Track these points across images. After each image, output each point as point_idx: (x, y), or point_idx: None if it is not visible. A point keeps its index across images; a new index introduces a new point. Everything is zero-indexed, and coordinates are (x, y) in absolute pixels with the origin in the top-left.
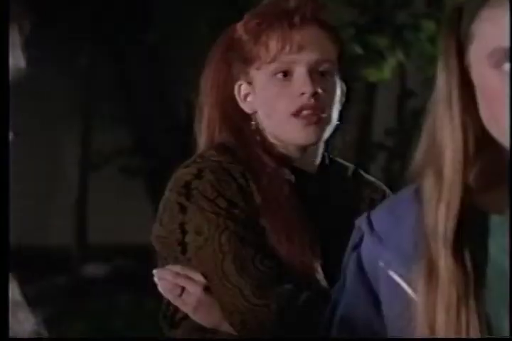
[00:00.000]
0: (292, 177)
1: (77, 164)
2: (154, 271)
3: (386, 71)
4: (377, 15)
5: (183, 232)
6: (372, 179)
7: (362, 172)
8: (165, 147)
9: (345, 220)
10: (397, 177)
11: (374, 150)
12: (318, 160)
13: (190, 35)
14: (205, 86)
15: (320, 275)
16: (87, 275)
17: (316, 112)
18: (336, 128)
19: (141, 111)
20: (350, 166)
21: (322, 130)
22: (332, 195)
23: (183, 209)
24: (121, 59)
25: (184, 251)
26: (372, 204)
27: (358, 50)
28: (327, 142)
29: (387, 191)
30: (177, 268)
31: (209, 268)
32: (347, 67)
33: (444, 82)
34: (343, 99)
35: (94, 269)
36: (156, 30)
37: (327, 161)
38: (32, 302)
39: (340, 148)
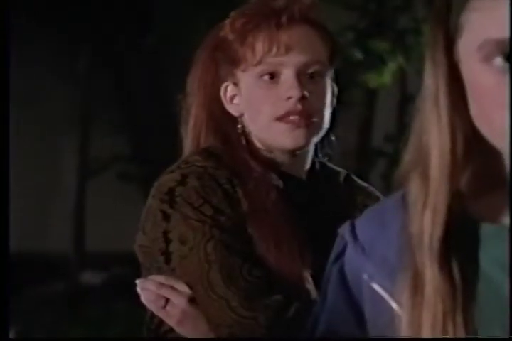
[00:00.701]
0: (280, 183)
1: (76, 170)
2: (137, 281)
3: (386, 76)
4: (377, 19)
5: (167, 241)
6: (365, 184)
7: (354, 177)
8: (164, 153)
9: (337, 227)
10: (397, 185)
11: (374, 157)
12: (307, 164)
13: (190, 38)
14: (193, 86)
15: (310, 285)
16: (85, 282)
17: (303, 117)
18: (329, 132)
19: (139, 117)
20: (342, 171)
21: (311, 134)
22: (323, 201)
23: (166, 216)
24: (119, 65)
25: (168, 261)
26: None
27: (358, 54)
28: (318, 146)
29: (382, 197)
30: (161, 278)
31: (194, 279)
32: (346, 72)
33: (431, 79)
34: (335, 102)
35: (91, 276)
36: (155, 34)
37: (317, 166)
38: (30, 308)
39: (337, 153)
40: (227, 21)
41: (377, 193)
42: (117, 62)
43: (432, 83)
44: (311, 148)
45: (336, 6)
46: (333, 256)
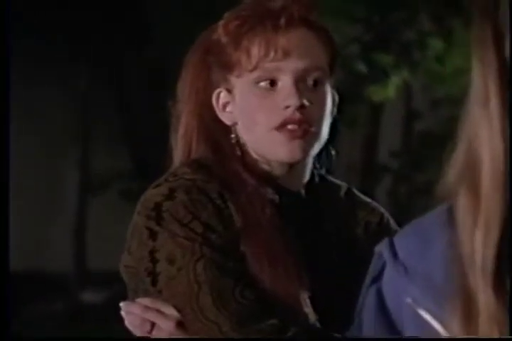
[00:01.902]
0: (276, 197)
1: (77, 188)
2: (121, 304)
3: (390, 90)
4: (381, 31)
5: (154, 261)
6: (367, 199)
7: (356, 191)
8: (166, 170)
9: (337, 246)
10: (402, 201)
11: (379, 173)
12: (306, 177)
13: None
14: (183, 92)
15: (308, 308)
16: (86, 300)
17: (301, 127)
18: (328, 144)
19: (141, 133)
20: (343, 185)
21: (309, 145)
22: (322, 217)
23: (152, 234)
24: (120, 79)
25: (155, 283)
26: (368, 228)
27: (362, 67)
28: (317, 158)
29: (385, 214)
30: (147, 301)
31: (183, 301)
32: (350, 85)
33: (479, 79)
34: (335, 111)
35: (93, 294)
36: (155, 46)
37: (316, 179)
38: (30, 326)
39: (339, 166)
40: (221, 23)
41: (382, 209)
42: (118, 77)
43: (481, 84)
44: (310, 160)
45: (340, 18)
46: (369, 277)
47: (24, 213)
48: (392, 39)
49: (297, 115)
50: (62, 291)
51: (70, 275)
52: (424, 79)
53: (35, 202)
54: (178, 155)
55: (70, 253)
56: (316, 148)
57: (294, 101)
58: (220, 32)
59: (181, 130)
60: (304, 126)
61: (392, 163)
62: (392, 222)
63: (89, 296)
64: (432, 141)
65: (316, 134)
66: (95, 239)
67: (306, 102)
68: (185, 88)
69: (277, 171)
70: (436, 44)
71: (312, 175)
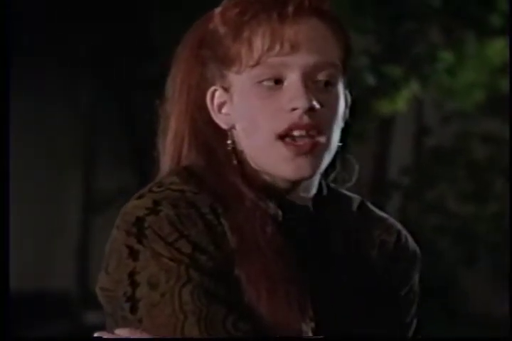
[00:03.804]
0: (278, 213)
1: (79, 206)
2: (96, 335)
3: (400, 103)
4: (391, 44)
5: (133, 284)
6: (383, 215)
7: (370, 205)
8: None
9: (348, 269)
10: (413, 218)
11: (389, 189)
12: (313, 190)
13: None
14: (173, 90)
15: None
16: (89, 321)
17: (310, 134)
18: (341, 150)
19: (145, 150)
20: (355, 198)
21: (319, 159)
22: (331, 236)
23: (133, 254)
24: (124, 96)
25: (134, 310)
26: (383, 249)
27: (371, 80)
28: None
29: (403, 231)
30: (125, 331)
31: (166, 332)
32: (359, 98)
33: None
34: (347, 114)
35: (95, 315)
36: (157, 63)
37: (325, 191)
38: None
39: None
40: (218, 10)
41: (399, 226)
42: (122, 92)
43: None
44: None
45: (349, 29)
46: None
47: (25, 231)
48: (401, 51)
49: (305, 119)
50: (63, 312)
51: (72, 295)
52: (435, 93)
53: (37, 221)
54: (166, 161)
55: (72, 272)
56: (326, 161)
57: (302, 103)
58: (216, 21)
59: (170, 133)
60: (312, 133)
61: (403, 180)
62: (410, 240)
63: (92, 317)
64: (443, 157)
65: (326, 145)
66: (98, 258)
67: (316, 104)
68: (175, 85)
69: (280, 184)
70: (447, 57)
71: (320, 186)
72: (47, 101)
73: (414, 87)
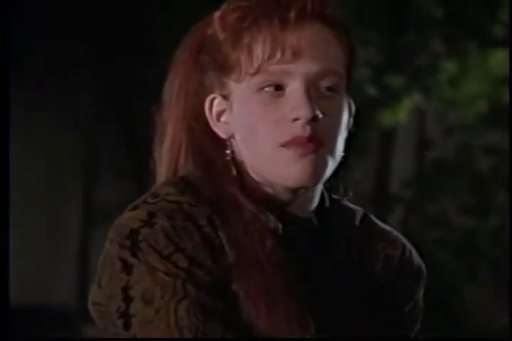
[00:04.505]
0: (279, 226)
1: (79, 219)
2: None
3: (402, 114)
4: (393, 54)
5: (127, 299)
6: (387, 228)
7: (374, 218)
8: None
9: (351, 284)
10: (415, 232)
11: (390, 202)
12: (315, 201)
13: None
14: (170, 95)
15: None
16: (87, 335)
17: (311, 145)
18: (344, 161)
19: (146, 163)
20: (359, 210)
21: (323, 167)
22: (333, 250)
23: (127, 267)
24: (125, 111)
25: (127, 326)
26: (387, 263)
27: (372, 91)
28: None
29: (407, 245)
30: None
31: None
32: (360, 109)
33: None
34: (351, 123)
35: (94, 329)
36: (155, 70)
37: (327, 203)
38: None
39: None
40: (217, 15)
41: (403, 239)
42: (123, 107)
43: None
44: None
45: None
46: None
47: (25, 244)
48: (403, 62)
49: (308, 130)
50: (62, 326)
51: (72, 309)
52: (437, 104)
53: (37, 234)
54: (162, 170)
55: (71, 285)
56: (330, 169)
57: (304, 113)
58: (216, 26)
59: (167, 141)
60: (315, 145)
61: (404, 192)
62: (415, 255)
63: (91, 330)
64: (445, 170)
65: (330, 153)
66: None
67: (319, 114)
68: (172, 90)
69: (282, 195)
70: (449, 67)
71: (322, 198)
72: (47, 112)
73: (416, 98)
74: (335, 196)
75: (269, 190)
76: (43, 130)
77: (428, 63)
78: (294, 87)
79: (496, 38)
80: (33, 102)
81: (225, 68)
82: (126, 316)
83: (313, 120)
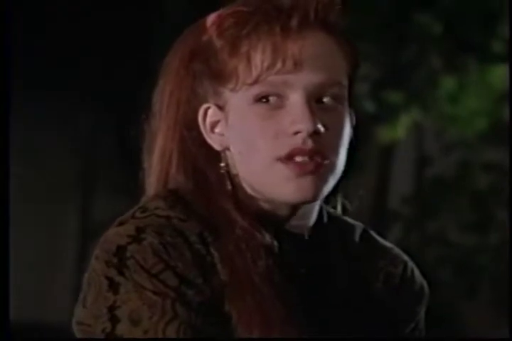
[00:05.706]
0: (274, 244)
1: (77, 236)
2: None
3: (400, 130)
4: (391, 70)
5: (113, 320)
6: (388, 244)
7: (374, 234)
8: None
9: (351, 304)
10: (414, 249)
11: (389, 220)
12: (313, 217)
13: None
14: (160, 104)
15: None
16: None
17: (314, 159)
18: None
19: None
20: (358, 225)
21: (323, 181)
22: (332, 266)
23: (113, 286)
24: (123, 125)
25: None
26: (388, 282)
27: (370, 107)
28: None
29: (409, 262)
30: None
31: None
32: (358, 125)
33: None
34: (352, 135)
35: None
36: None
37: (325, 219)
38: None
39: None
40: (213, 20)
41: (404, 257)
42: (122, 122)
43: None
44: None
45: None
46: None
47: (23, 262)
48: (402, 77)
49: (309, 144)
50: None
51: (70, 327)
52: (436, 120)
53: (35, 250)
54: (151, 183)
55: (69, 304)
56: (330, 184)
57: (305, 126)
58: (211, 32)
59: (157, 152)
60: (317, 159)
61: (403, 210)
62: (416, 272)
63: None
64: (445, 187)
65: (331, 167)
66: None
67: (320, 128)
68: (163, 99)
69: (279, 211)
70: (448, 83)
71: (320, 213)
72: (46, 131)
73: (414, 114)
74: (333, 211)
75: (265, 206)
76: (41, 149)
77: (427, 79)
78: (295, 99)
79: (495, 53)
80: (32, 117)
81: (220, 77)
82: (112, 337)
83: (315, 134)
